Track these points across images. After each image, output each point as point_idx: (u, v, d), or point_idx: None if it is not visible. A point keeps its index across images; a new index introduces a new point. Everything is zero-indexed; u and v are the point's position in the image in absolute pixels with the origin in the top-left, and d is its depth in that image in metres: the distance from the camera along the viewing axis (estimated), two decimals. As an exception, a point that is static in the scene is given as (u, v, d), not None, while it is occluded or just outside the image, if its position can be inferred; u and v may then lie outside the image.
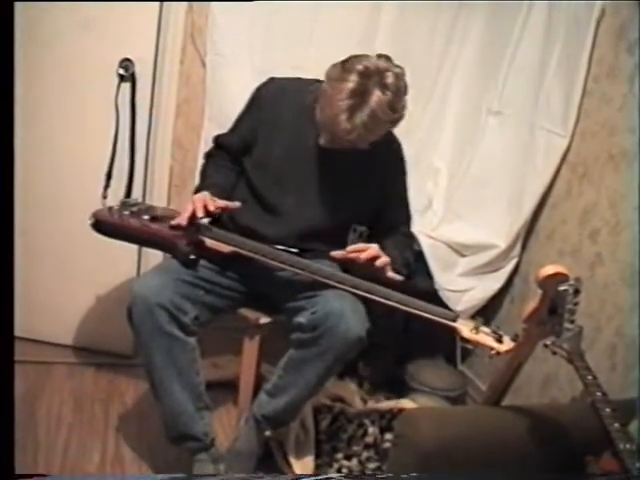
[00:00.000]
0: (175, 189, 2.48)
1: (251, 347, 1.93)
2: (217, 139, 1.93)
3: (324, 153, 1.75)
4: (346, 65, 1.59)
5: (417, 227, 2.35)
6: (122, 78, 2.15)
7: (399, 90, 1.61)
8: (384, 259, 1.70)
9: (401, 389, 2.40)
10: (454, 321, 1.62)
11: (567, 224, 2.15)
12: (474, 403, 2.44)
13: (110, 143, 2.20)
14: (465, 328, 1.59)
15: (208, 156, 1.95)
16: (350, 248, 1.70)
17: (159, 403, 1.75)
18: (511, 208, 2.32)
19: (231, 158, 1.89)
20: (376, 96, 1.57)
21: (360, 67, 1.57)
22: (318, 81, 1.68)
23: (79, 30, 2.08)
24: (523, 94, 2.29)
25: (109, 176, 2.23)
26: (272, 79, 1.84)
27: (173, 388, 1.71)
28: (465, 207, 2.43)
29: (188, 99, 2.40)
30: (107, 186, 2.23)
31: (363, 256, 1.68)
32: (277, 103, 1.79)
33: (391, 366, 2.49)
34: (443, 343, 2.50)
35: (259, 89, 1.83)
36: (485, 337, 1.57)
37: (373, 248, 1.70)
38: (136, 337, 1.70)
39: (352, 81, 1.56)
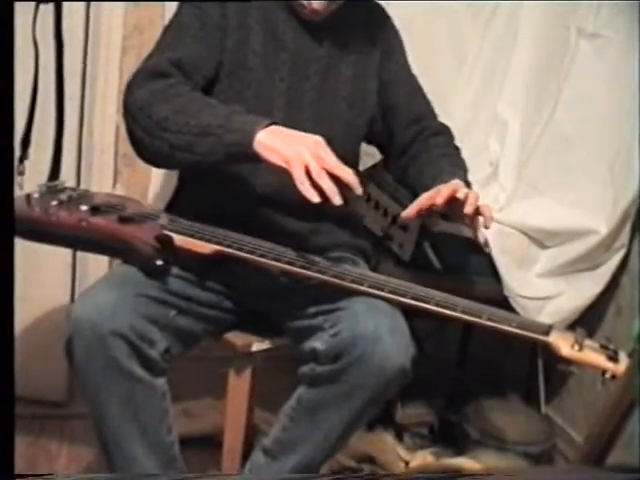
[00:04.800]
0: (124, 160, 2.45)
1: (239, 386, 1.92)
2: (168, 60, 1.76)
3: (304, 43, 1.89)
4: None
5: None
6: (41, -2, 2.17)
7: None
8: (472, 194, 1.74)
9: (459, 443, 2.40)
10: (547, 334, 1.56)
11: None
12: (566, 463, 2.45)
13: (27, 94, 2.20)
14: (564, 343, 1.53)
15: (166, 85, 1.73)
16: (421, 198, 1.76)
17: (114, 470, 1.74)
18: (615, 176, 2.30)
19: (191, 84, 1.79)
20: None
21: None
22: None
23: None
24: (630, 7, 2.25)
25: (26, 143, 2.23)
26: None
27: (135, 451, 1.71)
28: (547, 176, 2.40)
29: (140, 27, 2.39)
30: (23, 157, 2.23)
31: (440, 199, 1.72)
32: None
33: (443, 409, 2.49)
34: (518, 374, 2.58)
35: None
36: (593, 355, 1.51)
37: (451, 184, 1.76)
38: (80, 380, 1.68)
39: None
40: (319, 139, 1.63)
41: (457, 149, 2.05)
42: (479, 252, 2.27)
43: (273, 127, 1.62)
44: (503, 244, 2.30)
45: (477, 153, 2.46)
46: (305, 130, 1.70)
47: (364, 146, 2.30)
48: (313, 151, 1.59)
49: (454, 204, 1.73)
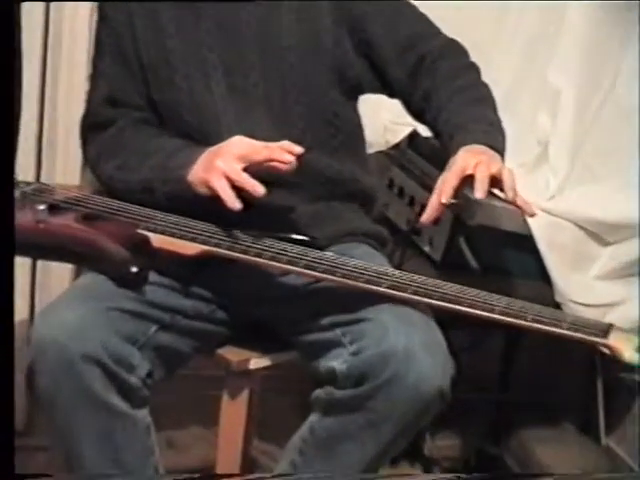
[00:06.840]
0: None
1: (234, 411, 1.83)
2: (101, 104, 1.87)
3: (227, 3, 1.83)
4: None
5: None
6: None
7: None
8: (480, 168, 1.58)
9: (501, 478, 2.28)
10: (605, 336, 1.46)
11: None
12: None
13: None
14: (627, 346, 1.44)
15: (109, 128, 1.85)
16: (432, 200, 1.61)
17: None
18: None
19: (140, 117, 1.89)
20: None
21: None
22: None
23: None
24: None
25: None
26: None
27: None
28: (607, 158, 2.30)
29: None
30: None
31: (447, 196, 1.58)
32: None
33: (481, 440, 2.48)
34: (573, 397, 2.54)
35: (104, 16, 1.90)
36: None
37: (455, 169, 1.61)
38: (46, 413, 1.62)
39: None
40: (233, 139, 1.65)
41: (470, 69, 1.87)
42: (524, 249, 2.16)
43: (199, 159, 1.68)
44: (554, 239, 2.17)
45: (523, 130, 2.34)
46: (257, 96, 1.77)
47: (384, 130, 2.31)
48: (227, 158, 1.61)
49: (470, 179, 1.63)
